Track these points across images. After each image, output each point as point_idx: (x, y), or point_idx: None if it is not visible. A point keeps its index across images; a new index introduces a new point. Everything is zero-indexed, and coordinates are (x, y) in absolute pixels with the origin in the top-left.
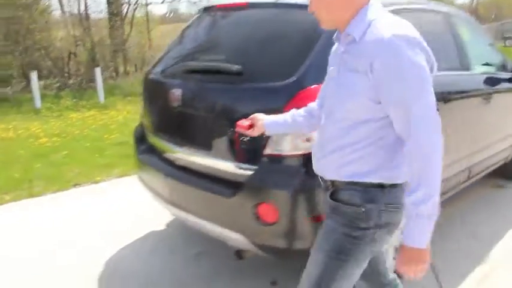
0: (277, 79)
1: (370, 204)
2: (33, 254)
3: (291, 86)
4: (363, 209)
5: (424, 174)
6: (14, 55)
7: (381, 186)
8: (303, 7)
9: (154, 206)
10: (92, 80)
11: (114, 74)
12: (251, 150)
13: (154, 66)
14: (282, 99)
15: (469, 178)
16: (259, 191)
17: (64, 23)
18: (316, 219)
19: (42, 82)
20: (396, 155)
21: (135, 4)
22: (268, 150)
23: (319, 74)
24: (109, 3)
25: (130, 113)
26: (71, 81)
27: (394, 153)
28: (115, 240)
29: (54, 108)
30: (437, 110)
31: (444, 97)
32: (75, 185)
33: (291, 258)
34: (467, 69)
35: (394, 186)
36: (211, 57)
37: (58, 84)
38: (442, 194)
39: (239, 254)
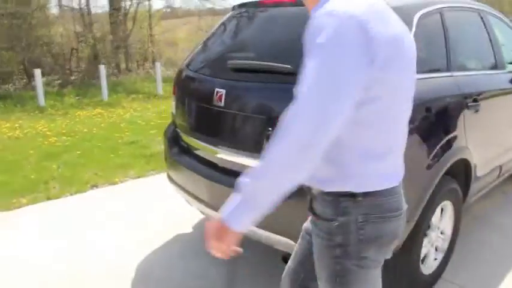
0: None
1: (342, 217)
2: (56, 257)
3: None
4: (336, 223)
5: (264, 157)
6: (15, 51)
7: (352, 195)
8: None
9: (177, 208)
10: (94, 76)
11: (116, 70)
12: None
13: (188, 63)
14: None
15: (499, 176)
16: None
17: (65, 19)
18: None
19: (43, 79)
20: (362, 156)
21: None
22: None
23: None
24: None
25: (137, 111)
26: (72, 78)
27: (358, 155)
28: (140, 244)
29: (59, 105)
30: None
31: (481, 96)
32: (92, 187)
33: None
34: (503, 68)
35: (369, 194)
36: (257, 55)
37: (59, 81)
38: (479, 191)
39: (286, 258)
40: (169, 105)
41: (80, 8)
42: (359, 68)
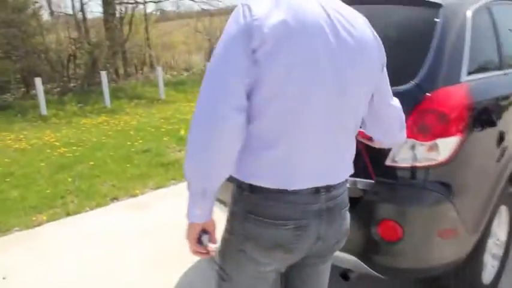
0: (395, 83)
1: (233, 207)
2: (87, 278)
3: (413, 89)
4: (230, 211)
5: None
6: (12, 60)
7: (242, 188)
8: (408, 1)
9: None
10: (93, 83)
11: (115, 76)
12: (368, 162)
13: None
14: (405, 105)
15: None
16: (381, 207)
17: (60, 25)
18: (444, 235)
19: (42, 87)
20: (254, 143)
21: (133, 3)
22: (388, 162)
23: (446, 72)
24: (106, 3)
25: (143, 117)
26: (71, 85)
27: (251, 139)
28: (174, 260)
29: (61, 114)
30: None
31: None
32: (112, 200)
33: (414, 277)
34: None
35: (254, 189)
36: None
37: (59, 89)
38: None
39: (345, 275)
40: (175, 110)
41: (74, 14)
42: (238, 51)
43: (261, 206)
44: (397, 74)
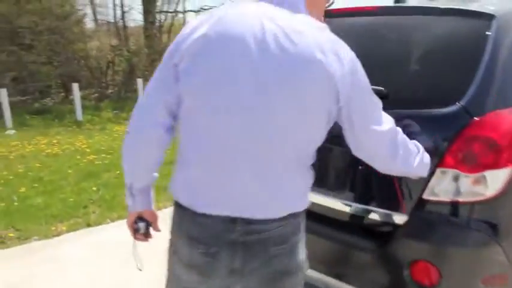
0: (437, 104)
1: (172, 217)
2: None
3: (459, 112)
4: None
5: None
6: (53, 65)
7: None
8: (454, 12)
9: None
10: (130, 90)
11: None
12: (402, 194)
13: None
14: (448, 131)
15: None
16: (415, 246)
17: (102, 32)
18: (490, 282)
19: (80, 93)
20: (178, 157)
21: (173, 12)
22: (426, 195)
23: (498, 94)
24: (146, 12)
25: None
26: (109, 91)
27: (178, 154)
28: None
29: (96, 120)
30: None
31: None
32: None
33: None
34: None
35: (176, 204)
36: None
37: (96, 95)
38: None
39: None
40: None
41: (116, 22)
42: (164, 68)
43: (181, 222)
44: (440, 94)
